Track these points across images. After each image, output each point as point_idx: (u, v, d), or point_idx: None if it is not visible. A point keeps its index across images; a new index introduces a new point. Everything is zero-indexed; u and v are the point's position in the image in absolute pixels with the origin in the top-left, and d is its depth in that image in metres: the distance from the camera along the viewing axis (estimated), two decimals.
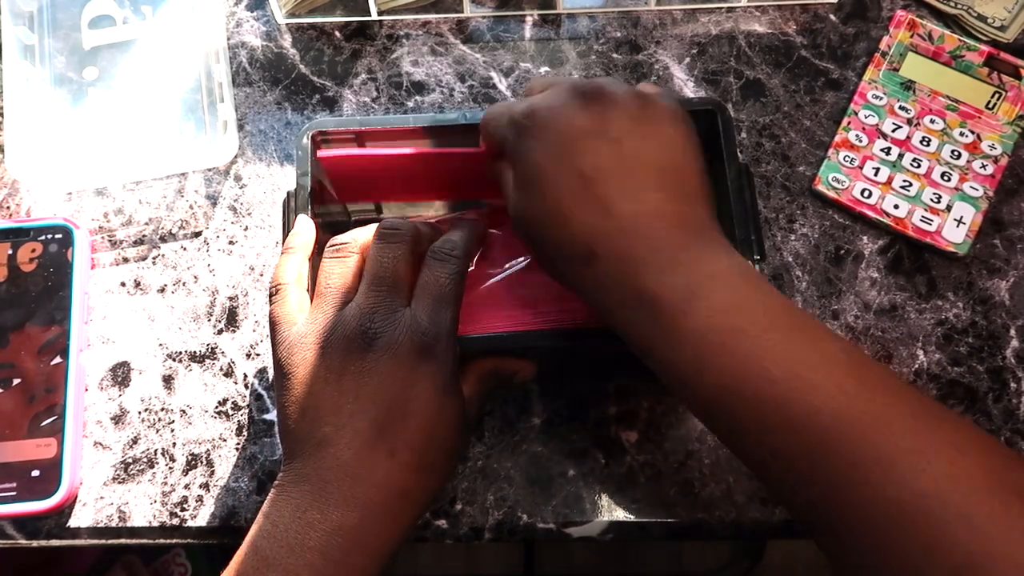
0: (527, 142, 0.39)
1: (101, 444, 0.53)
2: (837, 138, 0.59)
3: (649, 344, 0.37)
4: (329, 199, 0.50)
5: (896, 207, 0.57)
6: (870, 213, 0.57)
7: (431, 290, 0.41)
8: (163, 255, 0.58)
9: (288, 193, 0.47)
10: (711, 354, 0.34)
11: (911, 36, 0.60)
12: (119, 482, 0.53)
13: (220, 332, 0.56)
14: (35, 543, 0.52)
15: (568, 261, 0.39)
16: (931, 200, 0.57)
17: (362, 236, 0.44)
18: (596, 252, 0.37)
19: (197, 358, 0.55)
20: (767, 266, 0.57)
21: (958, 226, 0.56)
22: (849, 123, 0.59)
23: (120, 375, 0.55)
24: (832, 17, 0.63)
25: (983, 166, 0.57)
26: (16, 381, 0.52)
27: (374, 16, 0.62)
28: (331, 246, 0.43)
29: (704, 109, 0.48)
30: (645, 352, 0.37)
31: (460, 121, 0.48)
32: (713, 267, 0.36)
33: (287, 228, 0.47)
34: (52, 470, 0.51)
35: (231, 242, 0.58)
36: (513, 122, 0.41)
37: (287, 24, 0.63)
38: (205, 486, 0.52)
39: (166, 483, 0.52)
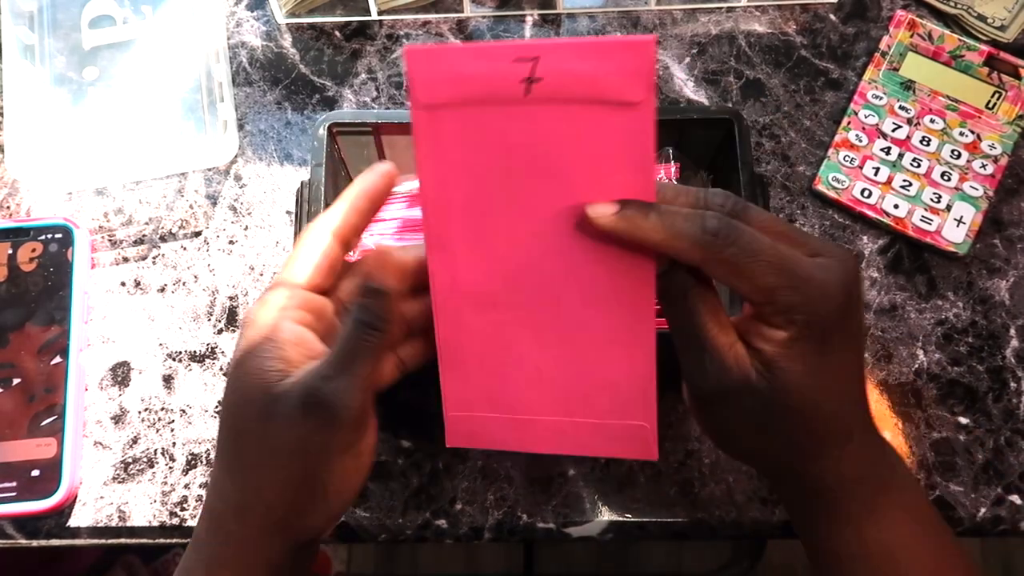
0: (835, 303, 0.33)
1: (101, 444, 0.53)
2: (837, 138, 0.59)
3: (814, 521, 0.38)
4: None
5: (896, 207, 0.57)
6: (870, 213, 0.57)
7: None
8: (163, 255, 0.58)
9: (302, 183, 0.48)
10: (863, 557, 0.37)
11: (911, 36, 0.60)
12: (119, 482, 0.52)
13: (220, 332, 0.56)
14: (35, 543, 0.52)
15: (817, 436, 0.35)
16: (931, 200, 0.57)
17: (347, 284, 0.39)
18: (853, 435, 0.36)
19: (197, 358, 0.55)
20: None
21: (958, 226, 0.56)
22: (849, 123, 0.59)
23: (120, 375, 0.55)
24: (832, 17, 0.63)
25: (983, 166, 0.57)
26: (16, 381, 0.52)
27: (374, 16, 0.62)
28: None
29: (721, 118, 0.48)
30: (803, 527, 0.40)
31: None
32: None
33: (301, 220, 0.47)
34: (52, 470, 0.51)
35: (231, 242, 0.58)
36: (797, 276, 0.33)
37: (287, 24, 0.63)
38: (205, 486, 0.52)
39: (166, 483, 0.52)
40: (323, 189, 0.47)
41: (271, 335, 0.35)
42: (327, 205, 0.43)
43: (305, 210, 0.47)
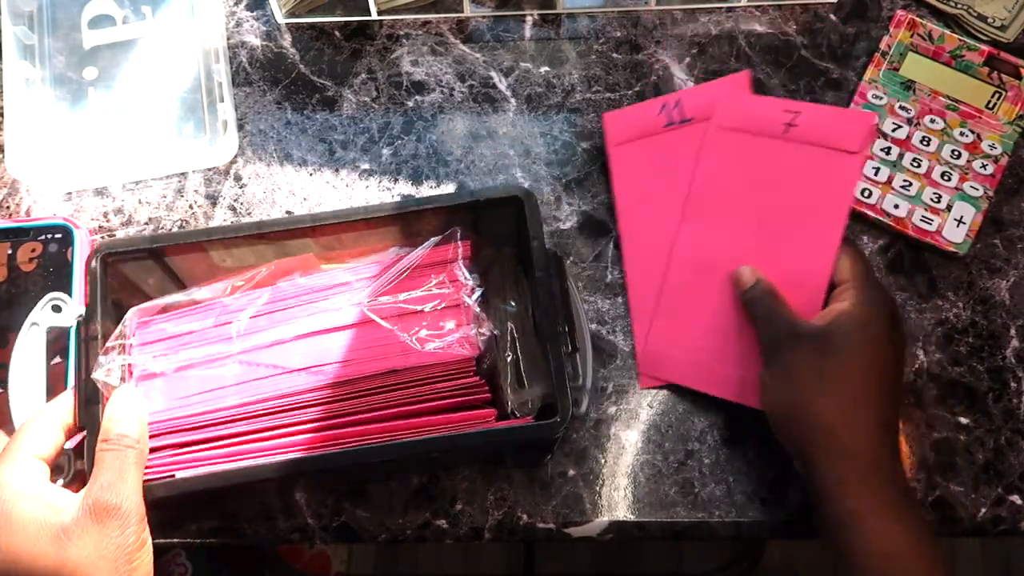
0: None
1: None
2: None
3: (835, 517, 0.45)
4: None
5: (896, 207, 0.57)
6: (870, 213, 0.57)
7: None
8: None
9: (78, 321, 0.45)
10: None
11: (911, 36, 0.60)
12: None
13: None
14: None
15: (859, 393, 0.46)
16: (931, 200, 0.57)
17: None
18: (891, 427, 0.47)
19: None
20: None
21: (958, 226, 0.56)
22: None
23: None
24: (832, 17, 0.63)
25: (983, 166, 0.57)
26: None
27: (374, 16, 0.62)
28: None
29: (509, 197, 0.47)
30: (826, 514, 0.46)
31: (252, 231, 0.46)
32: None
33: (80, 360, 0.44)
34: (52, 470, 0.50)
35: None
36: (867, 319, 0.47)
37: (287, 24, 0.63)
38: None
39: None
40: (99, 328, 0.45)
41: (35, 493, 0.41)
42: (104, 340, 0.44)
43: (82, 351, 0.44)
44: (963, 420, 0.53)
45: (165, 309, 0.48)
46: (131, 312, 0.46)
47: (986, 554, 1.19)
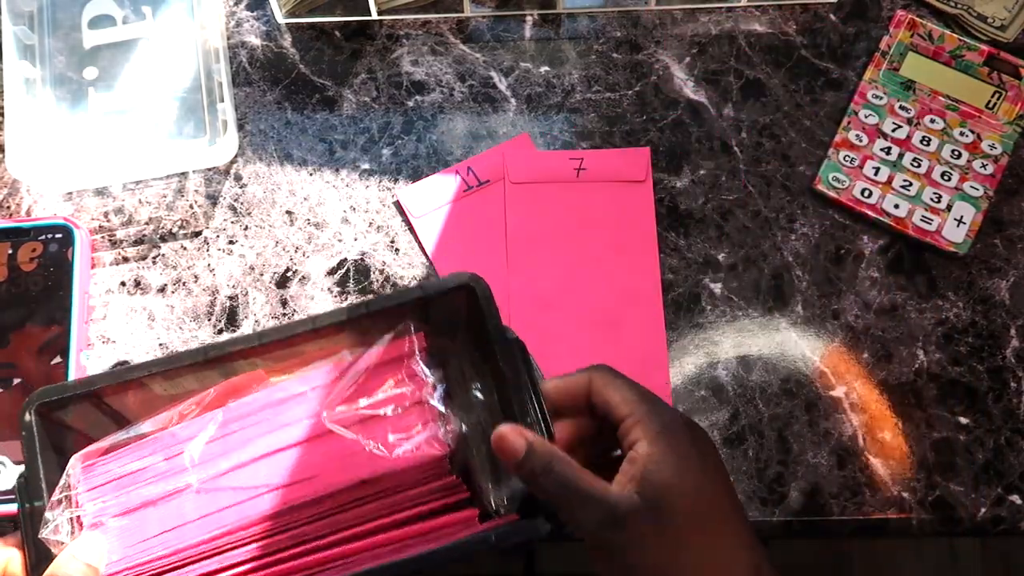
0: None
1: None
2: (837, 138, 0.59)
3: None
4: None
5: (896, 207, 0.57)
6: (870, 213, 0.57)
7: None
8: (163, 255, 0.58)
9: (20, 479, 0.42)
10: None
11: (911, 36, 0.60)
12: None
13: (220, 332, 0.56)
14: None
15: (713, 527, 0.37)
16: (931, 200, 0.57)
17: None
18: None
19: None
20: (769, 266, 0.57)
21: (958, 226, 0.56)
22: (849, 123, 0.59)
23: None
24: (832, 17, 0.63)
25: (983, 166, 0.57)
26: (16, 381, 0.52)
27: (374, 16, 0.62)
28: None
29: (459, 285, 0.43)
30: None
31: (196, 360, 0.43)
32: None
33: (25, 519, 0.41)
34: None
35: (231, 242, 0.58)
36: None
37: (287, 24, 0.63)
38: None
39: None
40: (43, 483, 0.41)
41: None
42: (51, 492, 0.41)
43: (27, 510, 0.41)
44: (963, 420, 0.53)
45: (110, 450, 0.44)
46: (73, 459, 0.43)
47: (986, 554, 1.19)
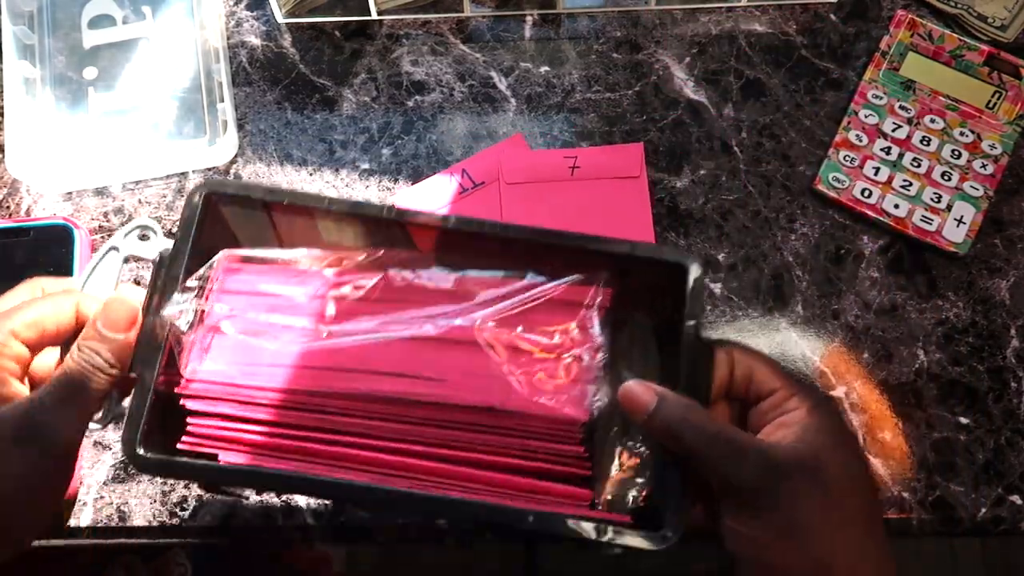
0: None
1: (101, 444, 0.53)
2: (837, 138, 0.59)
3: None
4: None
5: (896, 207, 0.57)
6: (870, 213, 0.57)
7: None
8: None
9: (161, 255, 0.42)
10: None
11: (911, 36, 0.60)
12: (119, 482, 0.52)
13: None
14: (35, 543, 0.52)
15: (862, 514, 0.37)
16: (931, 200, 0.57)
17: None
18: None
19: None
20: (769, 266, 0.57)
21: (958, 226, 0.56)
22: (849, 123, 0.59)
23: None
24: (832, 17, 0.63)
25: (983, 166, 0.57)
26: None
27: (374, 16, 0.62)
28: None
29: (673, 262, 0.40)
30: None
31: (380, 215, 0.41)
32: None
33: (152, 296, 0.40)
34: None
35: None
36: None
37: (287, 24, 0.63)
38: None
39: (166, 483, 0.52)
40: (183, 269, 0.40)
41: None
42: (187, 277, 0.40)
43: (158, 287, 0.40)
44: (963, 420, 0.53)
45: (258, 263, 0.43)
46: (222, 254, 0.41)
47: (986, 554, 1.19)
